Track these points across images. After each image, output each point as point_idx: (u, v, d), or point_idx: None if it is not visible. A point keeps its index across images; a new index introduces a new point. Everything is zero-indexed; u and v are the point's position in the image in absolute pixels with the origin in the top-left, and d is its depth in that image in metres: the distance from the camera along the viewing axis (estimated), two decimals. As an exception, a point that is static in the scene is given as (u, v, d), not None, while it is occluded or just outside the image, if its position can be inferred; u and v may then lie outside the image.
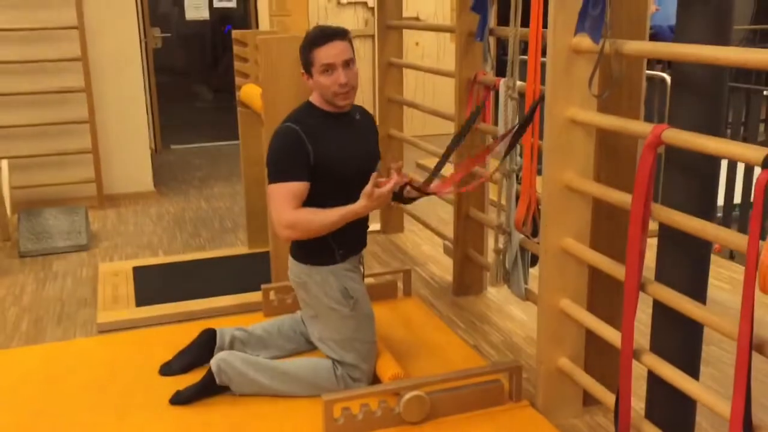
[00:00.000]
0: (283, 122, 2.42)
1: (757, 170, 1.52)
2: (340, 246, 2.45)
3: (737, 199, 4.34)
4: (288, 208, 2.32)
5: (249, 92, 3.45)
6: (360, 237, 2.56)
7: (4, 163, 4.43)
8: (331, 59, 2.34)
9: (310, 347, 2.73)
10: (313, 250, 2.44)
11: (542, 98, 2.31)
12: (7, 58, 4.73)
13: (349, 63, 2.38)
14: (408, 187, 2.56)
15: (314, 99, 2.47)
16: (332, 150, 2.39)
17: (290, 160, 2.35)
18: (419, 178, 4.16)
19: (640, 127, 1.95)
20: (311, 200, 2.39)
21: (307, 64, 2.39)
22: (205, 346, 2.64)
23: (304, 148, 2.34)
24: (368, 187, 2.29)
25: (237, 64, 3.73)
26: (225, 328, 2.70)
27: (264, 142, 3.07)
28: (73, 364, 2.79)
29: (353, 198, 2.41)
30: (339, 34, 2.38)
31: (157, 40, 6.79)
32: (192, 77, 10.45)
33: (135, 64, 5.12)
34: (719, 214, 4.28)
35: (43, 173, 4.96)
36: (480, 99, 3.17)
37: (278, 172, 2.35)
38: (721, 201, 4.30)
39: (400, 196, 2.59)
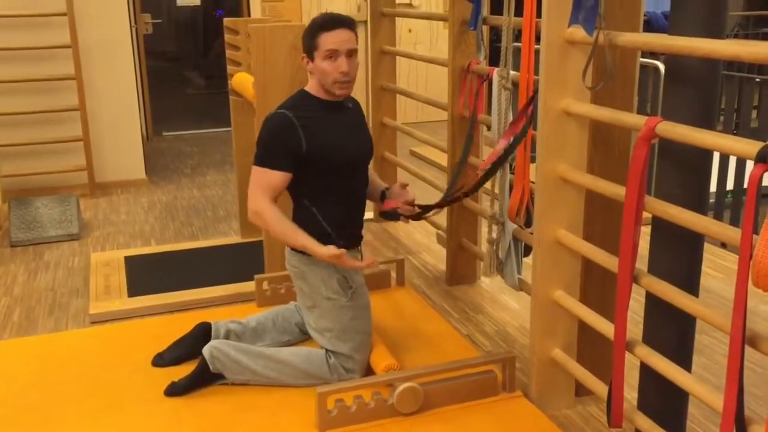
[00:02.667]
0: (278, 108, 2.43)
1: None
2: (339, 237, 2.46)
3: (729, 185, 4.35)
4: (262, 195, 2.36)
5: (241, 80, 3.43)
6: (358, 228, 2.58)
7: (-6, 151, 4.40)
8: (336, 45, 2.36)
9: (305, 338, 2.73)
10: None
11: (537, 91, 2.30)
12: (-5, 45, 4.69)
13: (352, 53, 2.40)
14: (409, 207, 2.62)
15: (310, 87, 2.47)
16: (326, 138, 2.40)
17: (277, 148, 2.37)
18: (413, 166, 4.16)
19: (633, 119, 1.94)
20: (306, 187, 2.42)
21: (311, 48, 2.39)
22: (199, 338, 2.64)
23: (295, 136, 2.35)
24: (338, 251, 2.30)
25: (229, 53, 3.70)
26: (220, 321, 2.70)
27: (256, 131, 3.05)
28: (65, 356, 2.78)
29: (347, 186, 2.45)
30: (347, 22, 2.40)
31: (148, 26, 6.73)
32: (183, 63, 10.39)
33: (125, 50, 5.08)
34: (711, 200, 4.29)
35: (33, 161, 4.92)
36: (473, 89, 3.15)
37: (263, 158, 2.38)
38: (713, 187, 4.31)
39: (394, 215, 2.65)
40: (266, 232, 2.47)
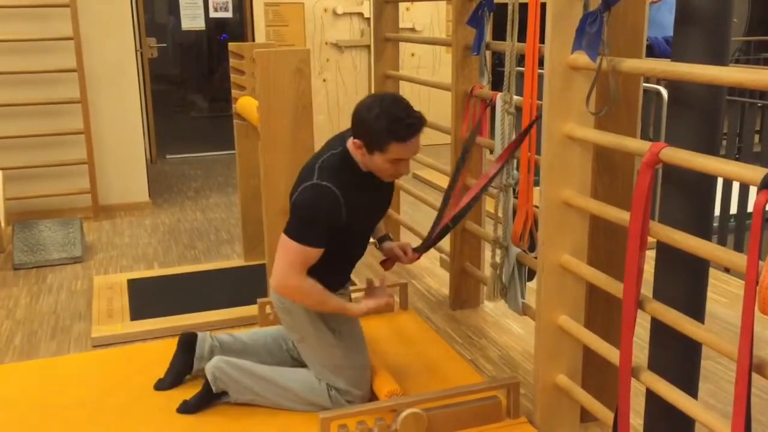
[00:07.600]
0: (322, 178, 2.26)
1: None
2: (333, 282, 2.43)
3: (733, 209, 4.34)
4: (298, 271, 2.29)
5: (245, 105, 3.44)
6: (348, 274, 2.57)
7: (-1, 174, 4.42)
8: (407, 156, 2.26)
9: (294, 364, 2.65)
10: None
11: (539, 116, 2.31)
12: (2, 69, 4.72)
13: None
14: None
15: (354, 152, 2.33)
16: (360, 209, 2.34)
17: (319, 226, 2.26)
18: (416, 189, 4.16)
19: (637, 144, 1.94)
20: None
21: (375, 145, 2.22)
22: (186, 353, 2.64)
23: (338, 212, 2.26)
24: (374, 304, 2.41)
25: (233, 77, 3.73)
26: (204, 332, 2.70)
27: (260, 155, 3.06)
28: (67, 380, 2.77)
29: (358, 246, 2.49)
30: (421, 127, 2.24)
31: (153, 50, 6.78)
32: (188, 87, 10.45)
33: (131, 74, 5.11)
34: (715, 224, 4.28)
35: (38, 184, 4.94)
36: (477, 114, 3.17)
37: (303, 233, 2.26)
38: (716, 211, 4.31)
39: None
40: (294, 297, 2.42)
